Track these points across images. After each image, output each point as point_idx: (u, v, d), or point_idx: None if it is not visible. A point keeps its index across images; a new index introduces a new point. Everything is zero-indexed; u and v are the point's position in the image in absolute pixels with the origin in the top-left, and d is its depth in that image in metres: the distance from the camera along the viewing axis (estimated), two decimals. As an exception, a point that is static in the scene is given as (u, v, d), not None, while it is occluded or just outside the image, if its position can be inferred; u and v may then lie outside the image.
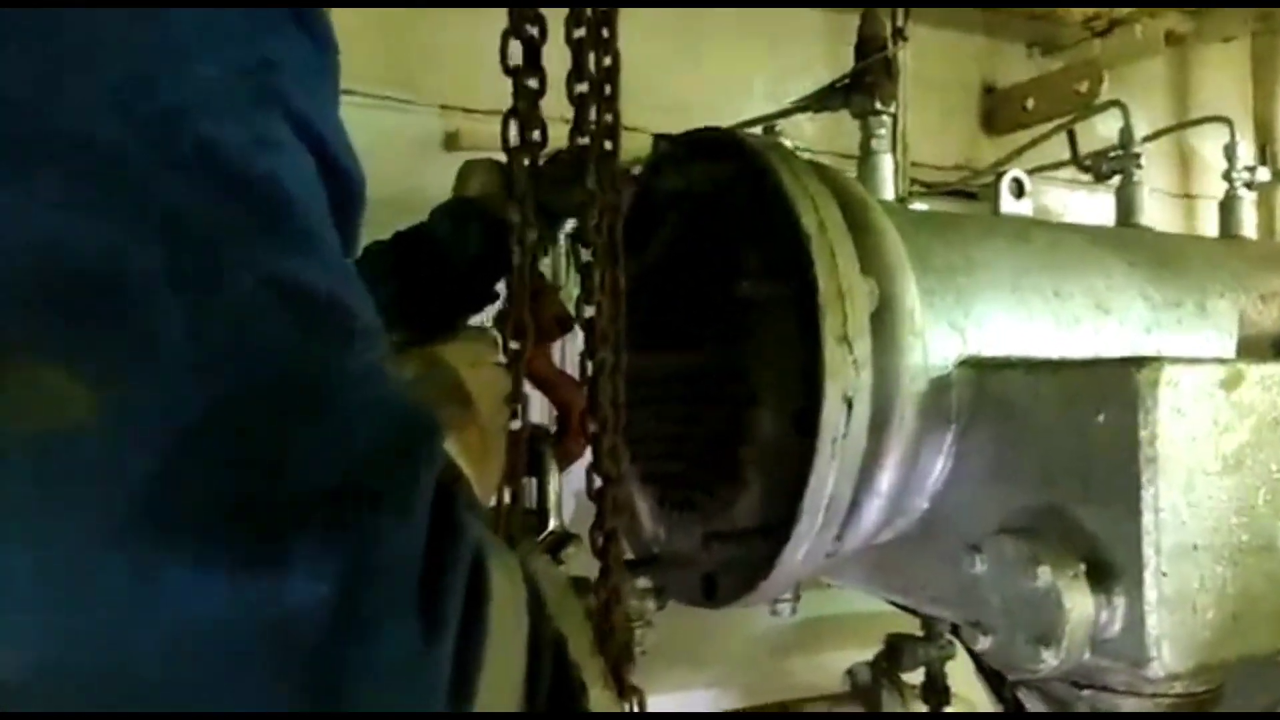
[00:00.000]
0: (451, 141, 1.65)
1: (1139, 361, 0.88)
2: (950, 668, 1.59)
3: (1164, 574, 0.86)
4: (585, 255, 0.81)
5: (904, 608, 1.47)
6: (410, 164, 1.58)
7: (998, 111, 2.26)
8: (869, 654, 1.72)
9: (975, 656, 1.42)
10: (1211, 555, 0.89)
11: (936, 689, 1.49)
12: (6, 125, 0.35)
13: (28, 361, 0.33)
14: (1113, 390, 0.89)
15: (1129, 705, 0.95)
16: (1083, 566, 0.87)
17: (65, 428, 0.33)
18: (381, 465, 0.39)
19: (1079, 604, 0.85)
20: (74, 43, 0.36)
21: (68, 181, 0.35)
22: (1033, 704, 1.39)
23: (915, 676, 1.64)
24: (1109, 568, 0.88)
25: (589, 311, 0.81)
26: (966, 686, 1.57)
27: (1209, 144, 2.36)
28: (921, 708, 1.61)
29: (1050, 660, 0.85)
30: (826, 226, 0.96)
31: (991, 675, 1.37)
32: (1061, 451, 0.93)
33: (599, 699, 0.70)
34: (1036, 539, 0.89)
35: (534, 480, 0.88)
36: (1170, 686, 0.93)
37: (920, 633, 1.52)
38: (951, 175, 2.16)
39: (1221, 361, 0.93)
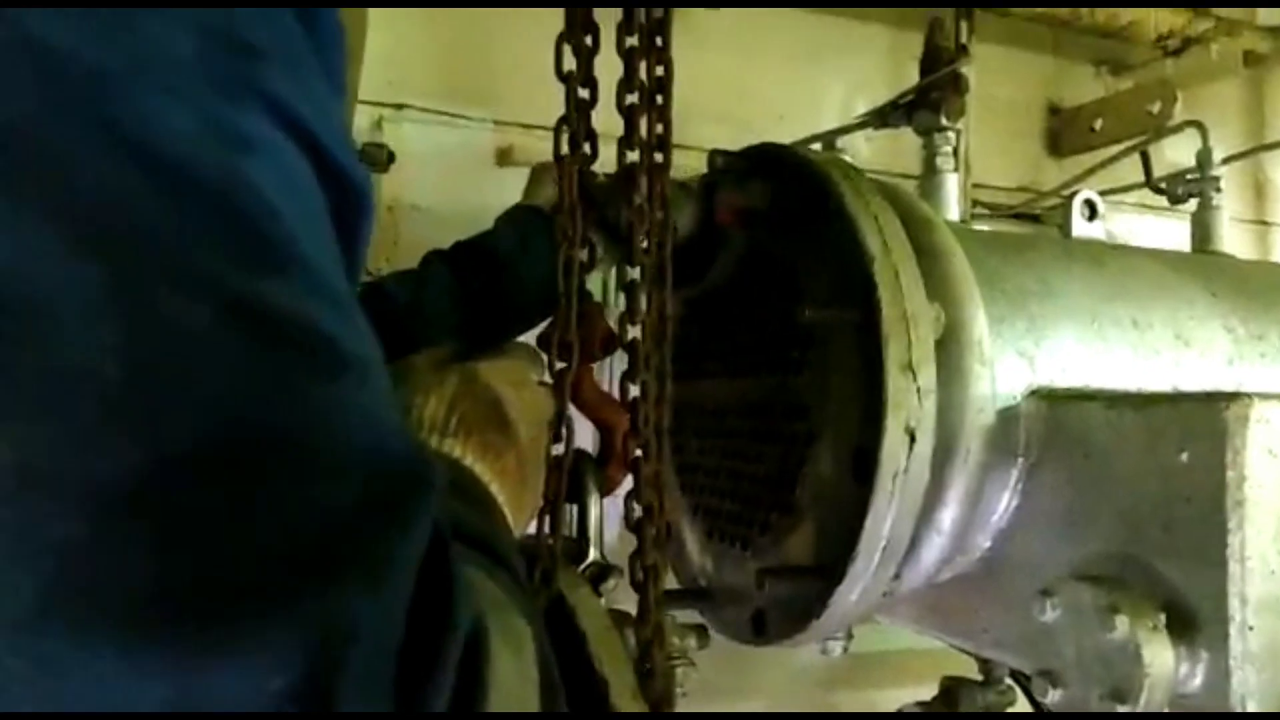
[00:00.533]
0: (504, 157, 1.63)
1: (1228, 397, 0.82)
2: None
3: (1250, 628, 0.80)
4: (631, 273, 0.77)
5: (965, 651, 1.41)
6: (463, 179, 1.57)
7: (1064, 132, 2.18)
8: (921, 693, 1.65)
9: (1037, 704, 1.36)
10: (1304, 609, 0.82)
11: (995, 736, 1.43)
12: None
13: None
14: (1198, 427, 0.83)
15: (1210, 767, 0.89)
16: (1163, 617, 0.81)
17: None
18: (356, 530, 0.33)
19: (1159, 658, 0.79)
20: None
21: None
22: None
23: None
24: (1191, 619, 0.82)
25: (632, 333, 0.77)
26: None
27: (1284, 169, 2.27)
28: (978, 754, 1.54)
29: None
30: (890, 248, 0.91)
31: (1054, 723, 1.30)
32: (1141, 492, 0.87)
33: None
34: (1114, 586, 0.83)
35: (574, 506, 0.84)
36: (1257, 749, 0.87)
37: (978, 676, 1.45)
38: (1015, 197, 2.10)
39: (1318, 398, 0.86)
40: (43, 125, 0.30)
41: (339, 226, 0.39)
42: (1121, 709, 0.80)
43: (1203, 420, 0.83)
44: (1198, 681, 0.82)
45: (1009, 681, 1.36)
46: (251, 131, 0.34)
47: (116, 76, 0.31)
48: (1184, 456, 0.84)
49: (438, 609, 0.35)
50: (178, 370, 0.31)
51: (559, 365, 0.76)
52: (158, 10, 0.32)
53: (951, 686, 1.41)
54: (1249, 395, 0.82)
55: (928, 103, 1.20)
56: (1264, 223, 2.47)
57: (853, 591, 0.94)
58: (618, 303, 0.84)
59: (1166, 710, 0.82)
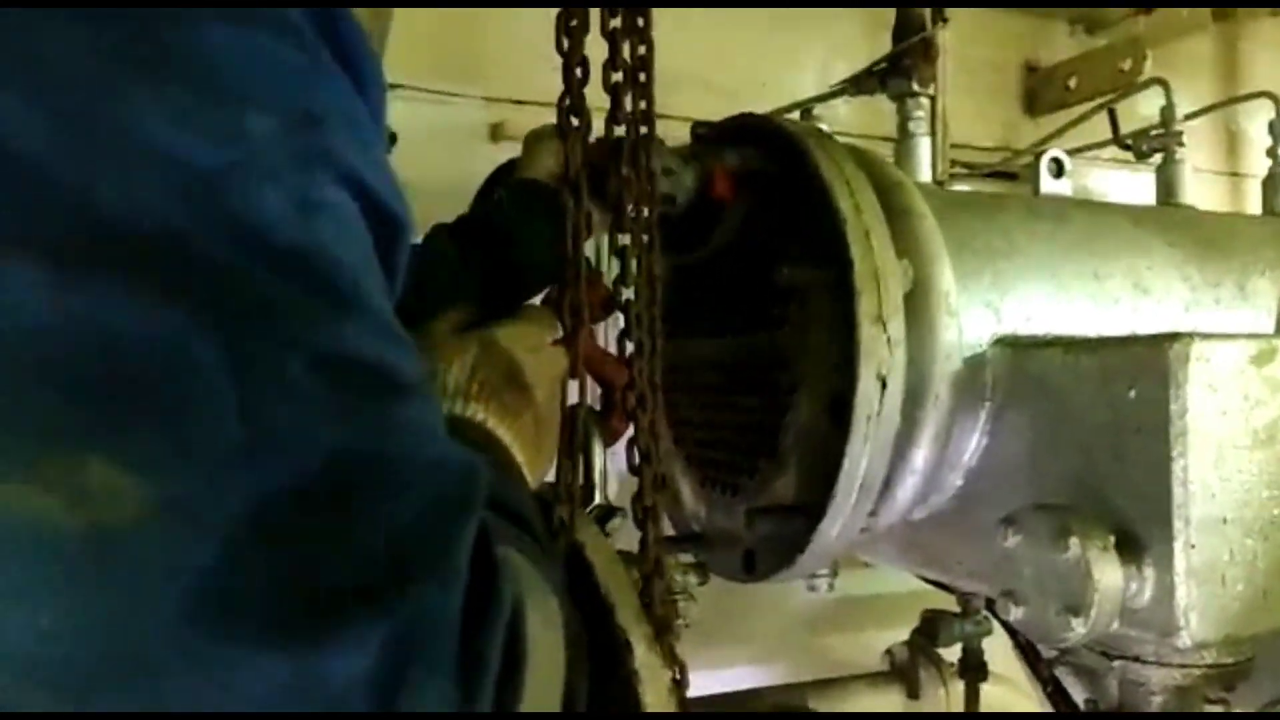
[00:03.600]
0: (497, 133, 1.69)
1: (1171, 338, 0.90)
2: (987, 644, 1.61)
3: (1193, 546, 0.88)
4: (622, 239, 0.84)
5: (940, 584, 1.50)
6: (457, 155, 1.63)
7: (1040, 91, 2.24)
8: (907, 633, 1.74)
9: (1012, 632, 1.44)
10: (1242, 529, 0.90)
11: (973, 665, 1.51)
12: (55, 214, 0.34)
13: (75, 452, 0.33)
14: (1145, 366, 0.91)
15: (1158, 676, 0.97)
16: (1112, 539, 0.89)
17: (121, 522, 0.33)
18: (426, 533, 0.40)
19: (1108, 575, 0.88)
20: (104, 106, 0.35)
21: (126, 274, 0.34)
22: (1068, 680, 1.41)
23: (953, 654, 1.66)
24: (1139, 540, 0.90)
25: (626, 294, 0.84)
26: (1004, 664, 1.59)
27: (1257, 122, 2.33)
28: (958, 685, 1.63)
29: (1079, 629, 0.88)
30: (862, 209, 0.98)
31: (1028, 650, 1.38)
32: (1095, 427, 0.95)
33: (645, 660, 0.73)
34: (1067, 512, 0.91)
35: (581, 455, 0.91)
36: (1199, 657, 0.95)
37: (956, 609, 1.54)
38: (993, 156, 2.16)
39: (1253, 337, 0.94)
40: (167, 221, 0.36)
41: (383, 256, 0.45)
42: (1075, 622, 0.88)
43: (1149, 360, 0.91)
44: (1146, 597, 0.90)
45: (985, 612, 1.44)
46: (320, 195, 0.40)
47: (230, 174, 0.37)
48: (1133, 393, 0.92)
49: (485, 593, 0.42)
50: (283, 416, 0.37)
51: (571, 325, 0.83)
52: (251, 104, 0.38)
53: (932, 618, 1.50)
54: (1190, 335, 0.90)
55: (900, 70, 1.27)
56: (1237, 174, 2.54)
57: (833, 527, 1.02)
58: (611, 267, 0.91)
59: (1116, 625, 0.91)
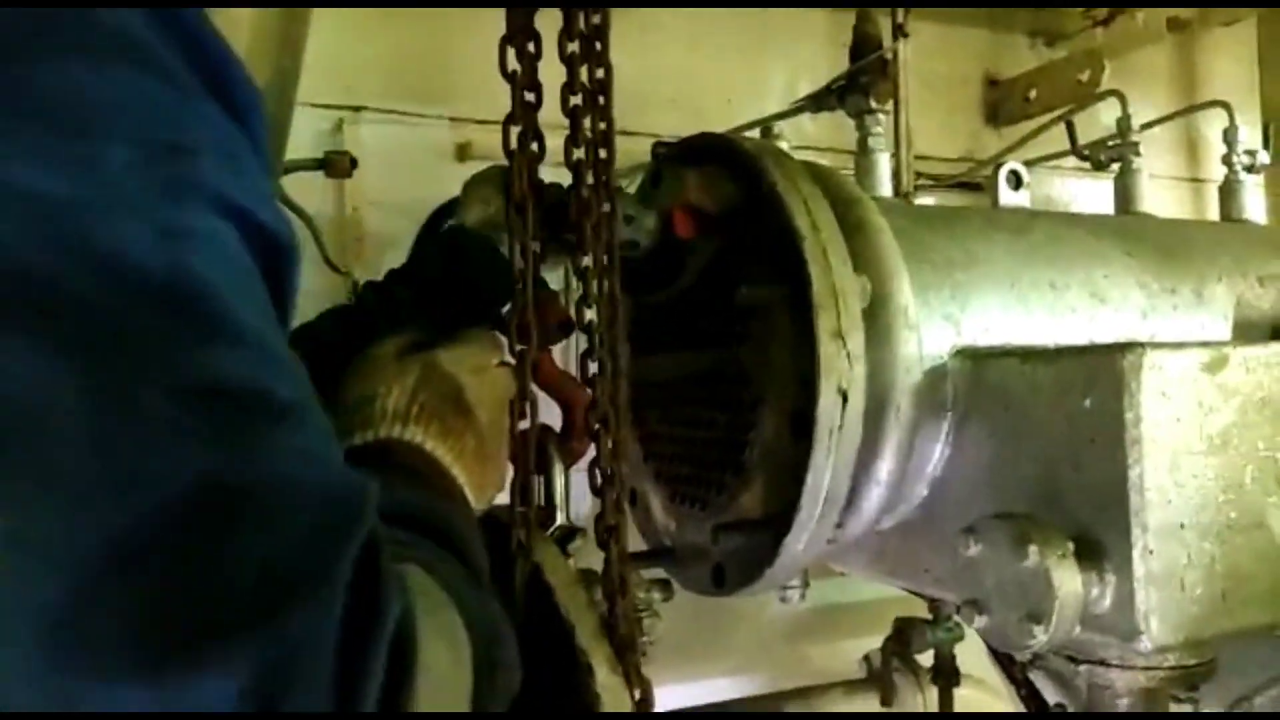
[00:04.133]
0: (463, 152, 1.70)
1: (1123, 347, 0.92)
2: (960, 649, 1.62)
3: (1151, 551, 0.89)
4: (584, 261, 0.85)
5: (911, 591, 1.51)
6: (424, 175, 1.63)
7: (1001, 103, 2.28)
8: (882, 639, 1.75)
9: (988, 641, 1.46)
10: (1199, 533, 0.92)
11: (946, 671, 1.53)
12: None
13: None
14: (1099, 375, 0.93)
15: (1123, 679, 0.99)
16: (1071, 546, 0.90)
17: None
18: (300, 558, 0.40)
19: (1067, 582, 0.89)
20: None
21: None
22: (1041, 682, 1.42)
23: (927, 659, 1.68)
24: (1099, 547, 0.91)
25: (589, 315, 0.85)
26: (978, 668, 1.61)
27: (1215, 129, 2.37)
28: (933, 690, 1.64)
29: (1041, 636, 0.89)
30: (819, 226, 1.00)
31: (1002, 654, 1.40)
32: (1053, 436, 0.97)
33: (606, 681, 0.73)
34: (1026, 521, 0.93)
35: (541, 477, 0.92)
36: (1161, 660, 0.96)
37: (928, 616, 1.55)
38: (958, 168, 2.19)
39: (1205, 345, 0.96)
40: (28, 259, 0.36)
41: (271, 281, 0.45)
42: (1036, 629, 0.89)
43: (1103, 369, 0.92)
44: (1107, 602, 0.92)
45: (956, 619, 1.45)
46: (193, 224, 0.41)
47: (88, 206, 0.38)
48: (1088, 402, 0.94)
49: (368, 612, 0.42)
50: (143, 445, 0.37)
51: (519, 347, 0.84)
52: (109, 138, 0.39)
53: (903, 626, 1.51)
54: (1143, 345, 0.92)
55: (857, 87, 1.29)
56: (1198, 180, 2.58)
57: (799, 540, 1.03)
58: (577, 288, 0.91)
59: (1078, 631, 0.92)
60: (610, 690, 0.70)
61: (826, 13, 2.11)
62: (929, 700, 1.72)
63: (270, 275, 0.45)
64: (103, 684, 0.36)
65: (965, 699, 1.69)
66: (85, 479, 0.36)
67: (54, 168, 0.38)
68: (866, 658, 1.82)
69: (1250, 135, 1.86)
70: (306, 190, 1.50)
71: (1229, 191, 1.66)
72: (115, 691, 0.36)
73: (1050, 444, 0.97)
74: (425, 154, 1.68)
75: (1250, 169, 1.67)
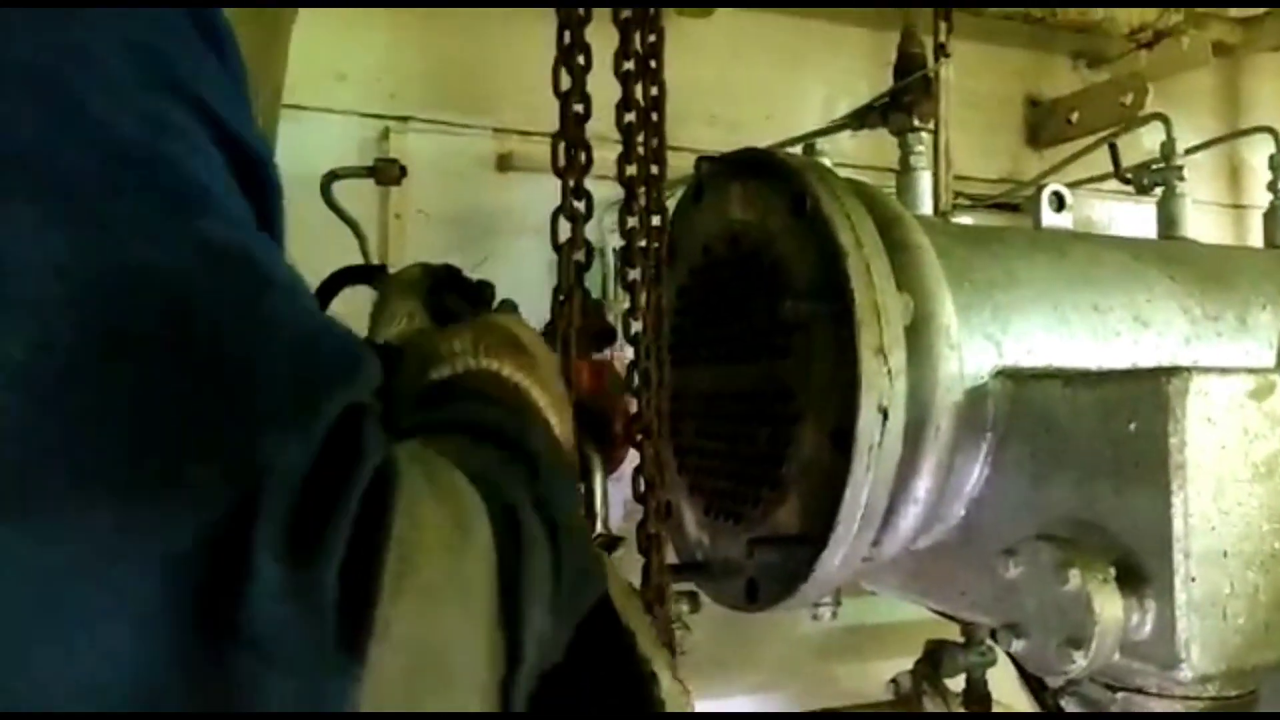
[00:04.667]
0: (504, 163, 1.72)
1: (1169, 372, 0.91)
2: (991, 675, 1.60)
3: (1193, 579, 0.89)
4: (632, 273, 0.86)
5: (944, 614, 1.50)
6: (466, 184, 1.65)
7: (1043, 125, 2.27)
8: (912, 662, 1.74)
9: (1017, 662, 1.44)
10: (1243, 561, 0.91)
11: (977, 695, 1.51)
12: None
13: None
14: (1144, 400, 0.92)
15: (1159, 708, 0.98)
16: (1113, 571, 0.90)
17: None
18: (276, 390, 0.39)
19: (1108, 607, 0.88)
20: None
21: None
22: (1073, 709, 1.41)
23: (957, 684, 1.66)
24: (1140, 572, 0.90)
25: (635, 327, 0.86)
26: (1009, 694, 1.59)
27: (1259, 154, 2.35)
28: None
29: (1080, 661, 0.88)
30: (863, 243, 1.00)
31: (1033, 681, 1.38)
32: (1096, 460, 0.96)
33: (670, 689, 0.74)
34: (1069, 544, 0.92)
35: (582, 485, 0.92)
36: (1201, 690, 0.95)
37: (960, 640, 1.54)
38: (997, 188, 2.18)
39: (1252, 372, 0.95)
40: (21, 128, 0.38)
41: (253, 196, 0.45)
42: (1076, 654, 0.88)
43: (1148, 394, 0.92)
44: (1147, 629, 0.91)
45: (989, 643, 1.44)
46: (169, 118, 0.42)
47: (75, 83, 0.39)
48: (1132, 427, 0.93)
49: (346, 454, 0.40)
50: (126, 270, 0.37)
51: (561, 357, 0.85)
52: (93, 29, 0.41)
53: (935, 649, 1.50)
54: (1188, 369, 0.91)
55: (900, 105, 1.29)
56: (1240, 206, 2.56)
57: (835, 557, 1.03)
58: (619, 299, 0.92)
59: (1117, 657, 0.91)
60: (673, 697, 0.71)
61: (866, 30, 2.12)
62: (958, 723, 1.71)
63: (251, 191, 0.45)
64: (67, 509, 0.34)
65: (994, 724, 1.68)
66: (48, 286, 0.36)
67: (48, 45, 0.40)
68: (894, 680, 1.81)
69: (1296, 161, 1.84)
70: (350, 198, 1.52)
71: (1273, 218, 1.65)
72: (81, 514, 0.34)
73: (1093, 468, 0.96)
74: (468, 163, 1.70)
75: (1296, 195, 1.65)
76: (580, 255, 0.87)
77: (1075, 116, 2.15)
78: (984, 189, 2.17)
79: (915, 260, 1.05)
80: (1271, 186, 1.65)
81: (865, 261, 0.98)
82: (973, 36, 2.18)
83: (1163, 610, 0.89)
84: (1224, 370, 0.94)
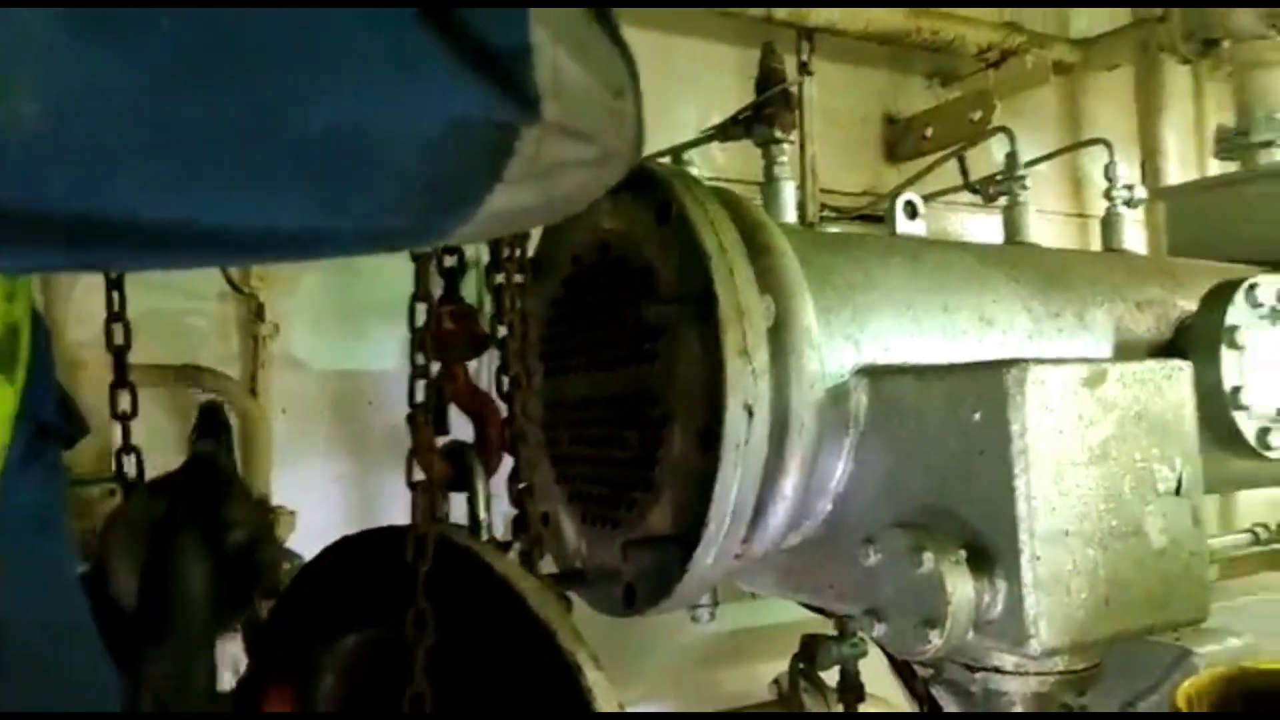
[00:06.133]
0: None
1: (1009, 363, 0.97)
2: (865, 666, 1.66)
3: (1038, 557, 0.94)
4: (498, 279, 0.87)
5: (817, 610, 1.55)
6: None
7: (899, 141, 2.38)
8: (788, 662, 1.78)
9: (888, 652, 1.50)
10: (1083, 540, 0.97)
11: (851, 686, 1.56)
12: None
13: None
14: (987, 390, 0.97)
15: (1016, 685, 1.03)
16: (964, 553, 0.95)
17: None
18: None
19: (960, 587, 0.93)
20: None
21: None
22: (941, 695, 1.46)
23: (832, 679, 1.71)
24: (990, 554, 0.96)
25: (502, 331, 0.86)
26: (882, 688, 1.65)
27: (1097, 166, 2.52)
28: (840, 708, 1.67)
29: (936, 641, 0.92)
30: (726, 247, 1.03)
31: (903, 669, 1.44)
32: (946, 449, 1.01)
33: (595, 679, 0.75)
34: (922, 530, 0.97)
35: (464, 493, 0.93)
36: (1051, 665, 1.01)
37: (834, 633, 1.59)
38: (859, 201, 2.27)
39: (1085, 361, 1.01)
40: None
41: None
42: (932, 634, 0.93)
43: (990, 384, 0.97)
44: (998, 609, 0.96)
45: (860, 634, 1.49)
46: None
47: None
48: (977, 416, 0.99)
49: None
50: None
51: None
52: None
53: (809, 642, 1.54)
54: (1027, 361, 0.97)
55: (762, 118, 1.33)
56: (1082, 215, 2.73)
57: (708, 555, 1.05)
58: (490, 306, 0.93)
59: (971, 636, 0.96)
60: (600, 686, 0.72)
61: (735, 49, 2.18)
62: (836, 718, 1.76)
63: None
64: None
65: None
66: None
67: None
68: (776, 681, 1.85)
69: (1129, 172, 1.98)
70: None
71: (1109, 224, 1.76)
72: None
73: (943, 457, 1.01)
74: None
75: (1129, 203, 1.77)
76: (453, 260, 0.87)
77: (929, 132, 2.27)
78: (847, 201, 2.26)
79: (777, 264, 1.08)
80: (1107, 194, 1.76)
81: (728, 265, 1.01)
82: (834, 58, 2.28)
83: (1012, 589, 0.94)
84: (1059, 360, 1.01)
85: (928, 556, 0.92)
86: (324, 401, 1.77)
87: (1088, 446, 0.99)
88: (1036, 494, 0.95)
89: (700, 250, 1.01)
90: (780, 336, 1.05)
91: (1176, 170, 2.48)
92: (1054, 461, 0.96)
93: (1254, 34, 1.93)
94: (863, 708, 1.62)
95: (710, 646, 1.97)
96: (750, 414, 1.00)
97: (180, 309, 1.59)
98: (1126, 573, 1.00)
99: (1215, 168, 2.28)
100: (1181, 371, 1.06)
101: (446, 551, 0.80)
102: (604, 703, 0.74)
